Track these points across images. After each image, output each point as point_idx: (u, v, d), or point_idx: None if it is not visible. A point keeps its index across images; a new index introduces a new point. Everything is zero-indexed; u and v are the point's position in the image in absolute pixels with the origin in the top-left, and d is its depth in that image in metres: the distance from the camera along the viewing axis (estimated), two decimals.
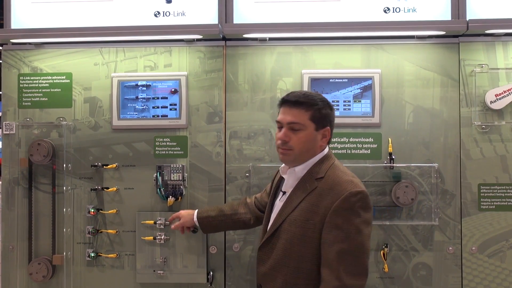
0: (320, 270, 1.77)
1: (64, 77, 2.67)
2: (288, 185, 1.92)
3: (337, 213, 1.73)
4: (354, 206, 1.74)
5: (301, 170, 1.88)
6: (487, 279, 2.51)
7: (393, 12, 2.51)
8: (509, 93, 2.49)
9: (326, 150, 1.92)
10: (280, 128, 1.89)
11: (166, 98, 2.62)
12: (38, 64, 2.68)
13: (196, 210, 2.39)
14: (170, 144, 2.62)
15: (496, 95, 2.49)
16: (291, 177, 1.91)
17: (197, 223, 2.36)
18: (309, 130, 1.84)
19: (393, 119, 2.57)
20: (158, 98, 2.62)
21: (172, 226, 2.44)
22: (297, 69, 2.60)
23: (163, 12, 2.58)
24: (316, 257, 1.78)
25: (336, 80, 2.57)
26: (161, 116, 2.62)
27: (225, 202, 2.58)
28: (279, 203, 1.94)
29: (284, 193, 1.93)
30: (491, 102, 2.49)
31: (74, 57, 2.67)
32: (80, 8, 2.60)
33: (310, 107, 1.83)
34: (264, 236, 1.94)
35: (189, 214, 2.39)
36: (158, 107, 2.62)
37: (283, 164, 1.98)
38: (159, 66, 2.65)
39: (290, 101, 1.85)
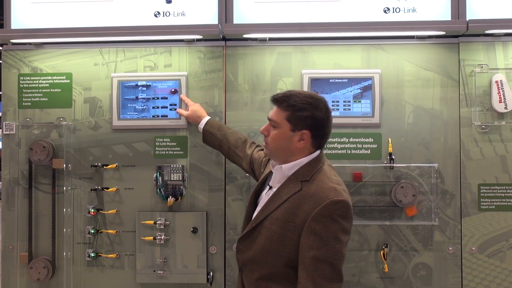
0: (297, 270, 1.78)
1: (64, 77, 2.67)
2: (275, 181, 1.92)
3: (317, 219, 1.74)
4: (334, 214, 1.73)
5: (288, 169, 1.88)
6: (487, 279, 2.52)
7: (393, 12, 2.51)
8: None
9: (317, 153, 1.90)
10: None
11: (166, 98, 2.62)
12: (38, 64, 2.68)
13: (207, 119, 2.49)
14: (170, 144, 2.62)
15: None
16: (278, 173, 1.91)
17: (200, 130, 2.48)
18: (283, 129, 1.85)
19: (393, 119, 2.57)
20: (158, 98, 2.62)
21: (181, 95, 2.57)
22: (297, 69, 2.60)
23: (163, 12, 2.58)
24: (294, 258, 1.78)
25: (336, 80, 2.57)
26: (161, 116, 2.62)
27: (225, 203, 2.59)
28: (265, 197, 1.95)
29: (271, 187, 1.94)
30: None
31: (74, 57, 2.67)
32: (80, 8, 2.60)
33: (288, 107, 1.85)
34: (245, 229, 1.96)
35: (198, 116, 2.51)
36: (158, 107, 2.62)
37: None
38: (159, 66, 2.64)
39: (273, 98, 1.90)
